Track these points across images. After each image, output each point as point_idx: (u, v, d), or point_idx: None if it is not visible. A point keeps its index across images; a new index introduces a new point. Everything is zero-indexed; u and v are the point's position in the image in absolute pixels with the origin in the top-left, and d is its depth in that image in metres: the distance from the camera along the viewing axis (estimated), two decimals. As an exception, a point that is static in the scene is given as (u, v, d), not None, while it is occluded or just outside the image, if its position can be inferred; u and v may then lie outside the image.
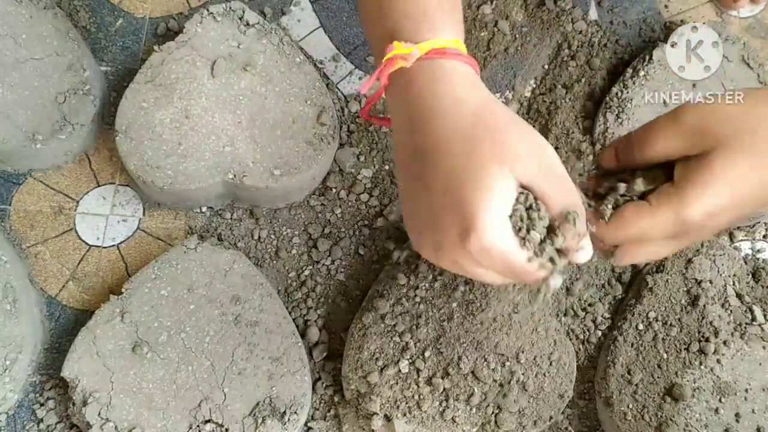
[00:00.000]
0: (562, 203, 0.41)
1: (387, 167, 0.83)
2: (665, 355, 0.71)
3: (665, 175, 0.43)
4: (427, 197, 0.41)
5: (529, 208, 0.41)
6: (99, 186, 0.82)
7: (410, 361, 0.68)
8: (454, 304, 0.69)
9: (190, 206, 0.81)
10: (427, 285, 0.70)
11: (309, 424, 0.73)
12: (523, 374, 0.68)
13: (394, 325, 0.70)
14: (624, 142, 0.45)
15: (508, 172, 0.39)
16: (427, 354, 0.68)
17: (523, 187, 0.40)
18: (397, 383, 0.68)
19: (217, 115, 0.78)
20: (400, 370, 0.68)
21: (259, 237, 0.80)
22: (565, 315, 0.76)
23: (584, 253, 0.42)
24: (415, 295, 0.70)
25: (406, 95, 0.44)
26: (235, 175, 0.76)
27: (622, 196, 0.45)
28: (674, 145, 0.42)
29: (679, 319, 0.72)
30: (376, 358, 0.69)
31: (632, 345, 0.72)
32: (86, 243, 0.80)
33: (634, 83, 0.81)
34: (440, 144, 0.40)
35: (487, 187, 0.38)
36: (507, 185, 0.39)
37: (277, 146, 0.77)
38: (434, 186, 0.41)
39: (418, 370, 0.68)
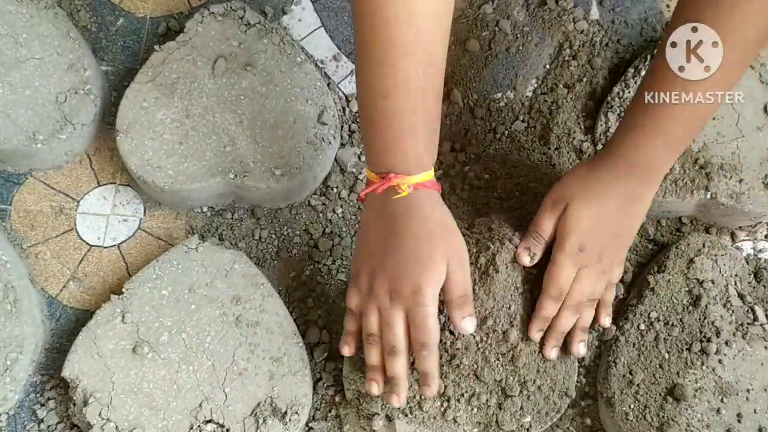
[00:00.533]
0: (463, 287, 0.62)
1: (388, 167, 0.83)
2: (667, 355, 0.71)
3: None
4: (394, 264, 0.61)
5: None
6: (100, 186, 0.82)
7: (411, 361, 0.68)
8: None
9: (191, 206, 0.81)
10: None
11: (310, 425, 0.73)
12: (524, 374, 0.68)
13: (396, 325, 0.70)
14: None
15: (446, 260, 0.60)
16: (428, 354, 0.68)
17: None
18: (398, 383, 0.68)
19: (218, 114, 0.78)
20: (401, 370, 0.68)
21: (260, 237, 0.80)
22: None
23: (469, 323, 0.63)
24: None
25: (389, 205, 0.62)
26: (236, 175, 0.76)
27: None
28: (551, 215, 0.68)
29: (680, 319, 0.72)
30: (378, 358, 0.69)
31: (634, 345, 0.72)
32: (87, 243, 0.80)
33: (635, 83, 0.81)
34: (409, 239, 0.61)
35: (435, 267, 0.60)
36: (444, 268, 0.60)
37: (278, 146, 0.77)
38: (401, 260, 0.61)
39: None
